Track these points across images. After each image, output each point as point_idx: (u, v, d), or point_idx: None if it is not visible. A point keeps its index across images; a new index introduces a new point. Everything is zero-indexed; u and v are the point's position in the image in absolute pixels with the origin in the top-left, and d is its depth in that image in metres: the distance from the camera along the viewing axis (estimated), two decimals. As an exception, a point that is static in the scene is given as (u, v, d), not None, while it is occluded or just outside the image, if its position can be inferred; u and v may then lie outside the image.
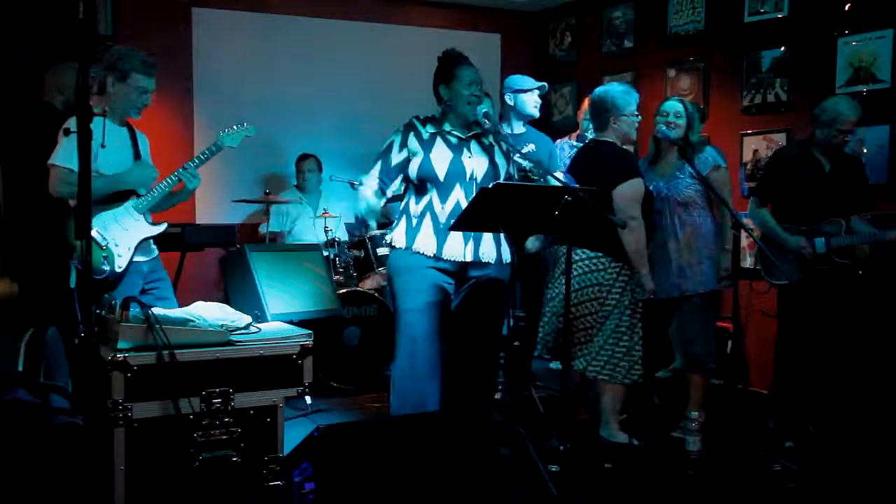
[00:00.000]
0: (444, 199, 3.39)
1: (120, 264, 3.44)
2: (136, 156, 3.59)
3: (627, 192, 3.64)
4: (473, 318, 3.51)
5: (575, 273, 3.70)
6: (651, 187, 3.91)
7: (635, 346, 3.73)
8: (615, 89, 3.83)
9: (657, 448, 3.82)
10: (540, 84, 4.36)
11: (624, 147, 3.85)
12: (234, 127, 3.79)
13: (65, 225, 3.41)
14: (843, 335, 4.00)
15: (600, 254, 3.69)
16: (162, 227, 3.61)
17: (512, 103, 4.33)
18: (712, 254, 3.82)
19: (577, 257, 3.72)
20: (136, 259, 3.50)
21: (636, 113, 3.81)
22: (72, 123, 3.20)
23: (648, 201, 3.79)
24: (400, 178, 3.48)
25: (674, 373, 4.46)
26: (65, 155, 3.33)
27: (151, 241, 3.61)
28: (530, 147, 4.30)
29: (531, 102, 4.35)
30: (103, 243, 3.41)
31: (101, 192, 3.39)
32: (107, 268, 3.40)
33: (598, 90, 3.89)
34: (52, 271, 3.75)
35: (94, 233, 3.38)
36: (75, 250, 3.34)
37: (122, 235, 3.47)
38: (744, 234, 3.67)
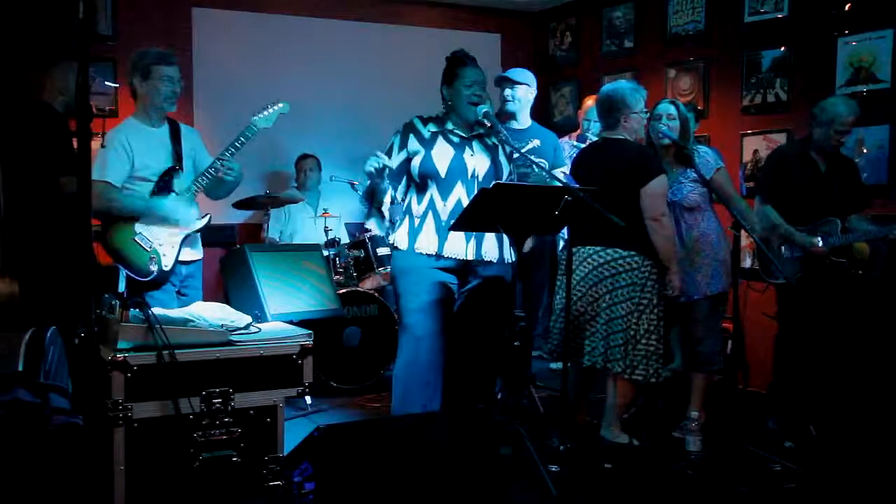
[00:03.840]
0: (445, 197, 3.39)
1: (167, 263, 3.51)
2: (177, 156, 3.63)
3: (658, 189, 3.62)
4: (475, 318, 3.51)
5: (607, 273, 3.64)
6: None
7: (658, 344, 3.69)
8: (624, 87, 3.79)
9: (657, 448, 3.82)
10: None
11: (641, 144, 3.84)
12: (267, 107, 3.81)
13: (107, 231, 3.45)
14: (841, 335, 4.00)
15: (633, 252, 3.62)
16: (205, 221, 3.68)
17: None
18: (718, 256, 3.81)
19: (608, 257, 3.65)
20: (181, 259, 3.57)
21: (645, 110, 3.79)
22: (106, 138, 3.33)
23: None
24: (404, 180, 3.48)
25: (673, 373, 4.46)
26: (99, 168, 3.38)
27: (198, 236, 3.65)
28: (535, 143, 4.32)
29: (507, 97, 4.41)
30: (147, 245, 3.48)
31: (134, 213, 3.49)
32: (154, 268, 3.47)
33: (606, 88, 3.85)
34: (52, 271, 3.74)
35: (136, 238, 3.47)
36: (120, 255, 3.42)
37: (165, 234, 3.53)
38: (744, 234, 3.66)
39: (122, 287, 3.42)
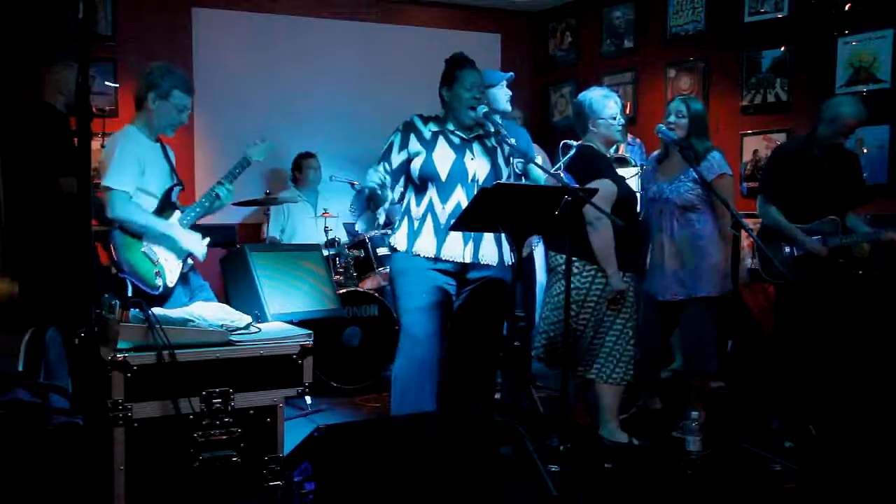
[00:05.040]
0: (444, 200, 3.39)
1: (171, 280, 3.50)
2: (173, 171, 3.66)
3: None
4: (474, 319, 3.51)
5: (554, 278, 3.76)
6: (654, 188, 3.91)
7: (625, 346, 3.73)
8: (593, 94, 3.85)
9: (657, 448, 3.83)
10: (508, 75, 4.34)
11: (601, 149, 3.84)
12: (257, 142, 3.86)
13: (114, 240, 3.43)
14: (841, 334, 4.00)
15: (574, 258, 3.66)
16: (206, 242, 3.67)
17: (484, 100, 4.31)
18: (710, 259, 3.80)
19: (553, 262, 3.80)
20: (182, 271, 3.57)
21: (615, 116, 3.80)
22: (116, 145, 3.34)
23: (629, 203, 3.78)
24: (402, 179, 3.48)
25: (674, 373, 4.46)
26: (116, 176, 3.38)
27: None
28: (511, 142, 4.31)
29: (503, 97, 4.34)
30: (154, 258, 3.47)
31: (150, 233, 3.48)
32: (160, 283, 3.46)
33: (579, 95, 3.93)
34: (52, 272, 3.74)
35: (144, 249, 3.46)
36: (128, 265, 3.41)
37: (170, 251, 3.52)
38: (744, 234, 3.66)
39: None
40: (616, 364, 3.73)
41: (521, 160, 3.62)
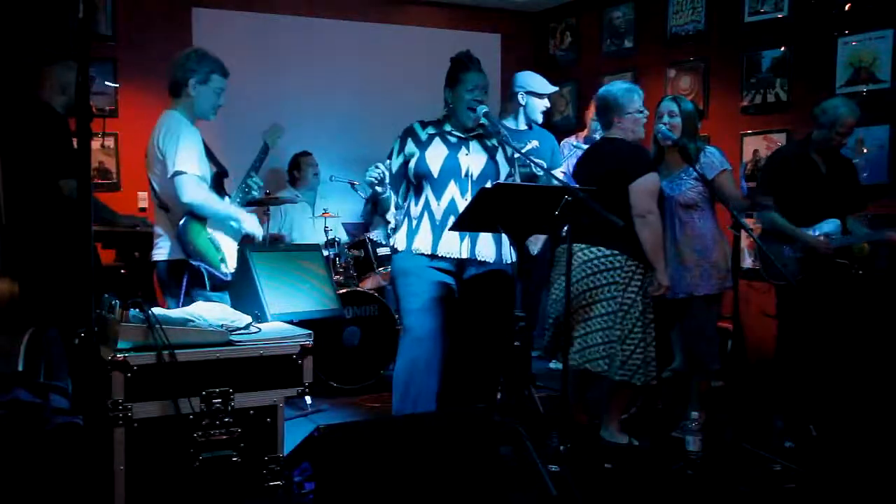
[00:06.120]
0: (438, 197, 3.40)
1: (232, 266, 3.61)
2: (211, 157, 3.71)
3: (645, 186, 3.61)
4: (476, 317, 3.51)
5: (589, 271, 3.64)
6: None
7: (649, 346, 3.69)
8: (617, 88, 3.82)
9: (657, 448, 3.82)
10: (554, 89, 4.36)
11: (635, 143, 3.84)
12: (267, 130, 3.95)
13: (183, 229, 3.48)
14: (842, 334, 4.00)
15: (616, 251, 3.62)
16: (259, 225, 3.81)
17: (523, 103, 4.32)
18: (710, 258, 3.80)
19: (591, 255, 3.64)
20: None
21: (641, 109, 3.80)
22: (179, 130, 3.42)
23: (660, 198, 3.78)
24: (405, 183, 3.49)
25: (674, 373, 4.45)
26: (187, 160, 3.43)
27: None
28: (534, 143, 4.31)
29: (540, 107, 4.34)
30: (217, 246, 3.55)
31: (222, 216, 3.57)
32: (227, 270, 3.57)
33: (602, 90, 3.89)
34: (52, 271, 3.74)
35: (210, 237, 3.54)
36: (199, 253, 3.47)
37: (228, 238, 3.62)
38: (744, 234, 3.67)
39: (208, 286, 3.50)
40: (641, 365, 3.66)
41: (541, 169, 3.63)
